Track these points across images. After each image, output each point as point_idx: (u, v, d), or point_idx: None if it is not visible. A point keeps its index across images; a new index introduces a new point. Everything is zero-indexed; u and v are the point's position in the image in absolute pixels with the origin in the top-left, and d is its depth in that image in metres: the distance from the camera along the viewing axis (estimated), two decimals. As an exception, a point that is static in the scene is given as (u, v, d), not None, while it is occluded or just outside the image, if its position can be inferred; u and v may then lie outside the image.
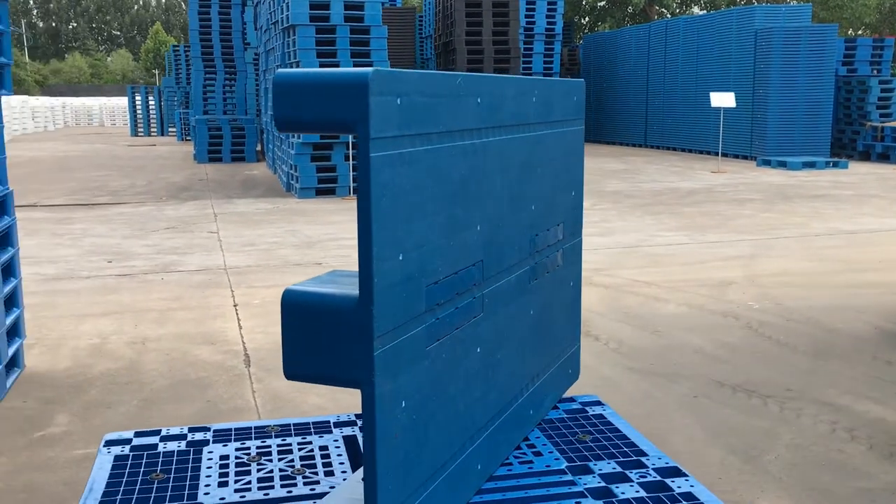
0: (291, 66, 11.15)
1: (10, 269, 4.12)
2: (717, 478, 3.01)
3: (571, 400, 2.17)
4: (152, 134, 31.28)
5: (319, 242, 7.86)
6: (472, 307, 1.60)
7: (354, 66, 10.94)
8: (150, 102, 31.38)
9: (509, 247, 1.76)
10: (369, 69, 1.20)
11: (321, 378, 1.31)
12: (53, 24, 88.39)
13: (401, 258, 1.31)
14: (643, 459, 1.80)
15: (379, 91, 1.22)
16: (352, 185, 11.36)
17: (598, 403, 2.13)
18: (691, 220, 9.11)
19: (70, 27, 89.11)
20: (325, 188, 11.52)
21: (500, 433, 1.77)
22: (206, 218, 9.62)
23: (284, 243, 7.82)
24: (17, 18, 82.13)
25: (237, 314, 5.26)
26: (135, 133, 31.05)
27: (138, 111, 31.38)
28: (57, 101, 41.76)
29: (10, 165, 4.38)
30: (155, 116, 31.55)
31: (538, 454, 1.84)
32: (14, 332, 4.16)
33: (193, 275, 6.46)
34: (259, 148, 19.36)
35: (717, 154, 16.87)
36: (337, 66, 10.84)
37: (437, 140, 1.42)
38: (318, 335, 1.30)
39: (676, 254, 7.22)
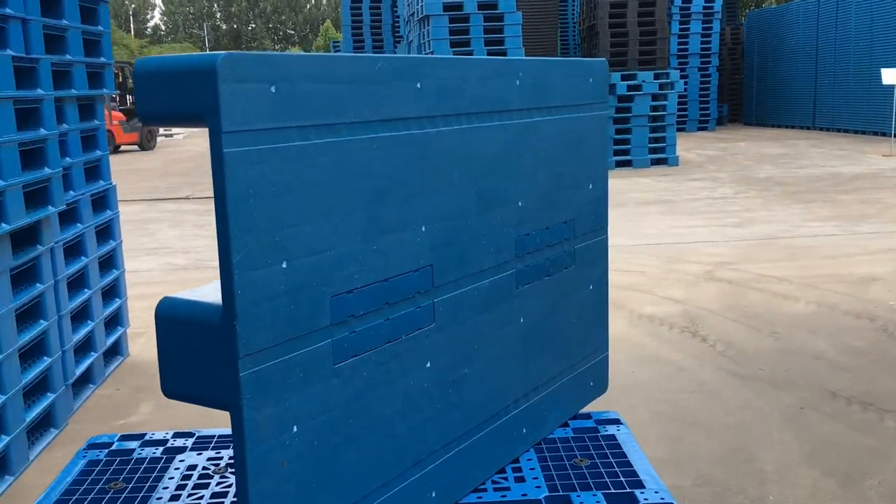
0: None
1: (111, 261, 4.28)
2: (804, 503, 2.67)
3: (588, 417, 1.94)
4: (315, 127, 32.45)
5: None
6: (415, 317, 1.43)
7: (488, 54, 10.80)
8: (313, 97, 32.56)
9: (478, 248, 1.57)
10: (221, 52, 1.06)
11: (195, 398, 1.19)
12: (234, 26, 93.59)
13: (284, 266, 1.17)
14: (637, 492, 1.57)
15: (236, 78, 1.08)
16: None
17: (615, 422, 1.90)
18: (846, 209, 8.35)
19: (249, 28, 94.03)
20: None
21: (470, 456, 1.59)
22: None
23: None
24: (202, 22, 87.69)
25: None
26: (299, 127, 32.30)
27: (302, 106, 32.62)
28: (232, 98, 44.25)
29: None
30: (317, 110, 32.71)
31: (520, 480, 1.65)
32: (116, 321, 4.32)
33: (310, 266, 6.55)
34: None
35: (891, 136, 15.45)
36: (471, 55, 10.72)
37: (348, 131, 1.26)
38: (188, 351, 1.17)
39: (820, 246, 6.61)
